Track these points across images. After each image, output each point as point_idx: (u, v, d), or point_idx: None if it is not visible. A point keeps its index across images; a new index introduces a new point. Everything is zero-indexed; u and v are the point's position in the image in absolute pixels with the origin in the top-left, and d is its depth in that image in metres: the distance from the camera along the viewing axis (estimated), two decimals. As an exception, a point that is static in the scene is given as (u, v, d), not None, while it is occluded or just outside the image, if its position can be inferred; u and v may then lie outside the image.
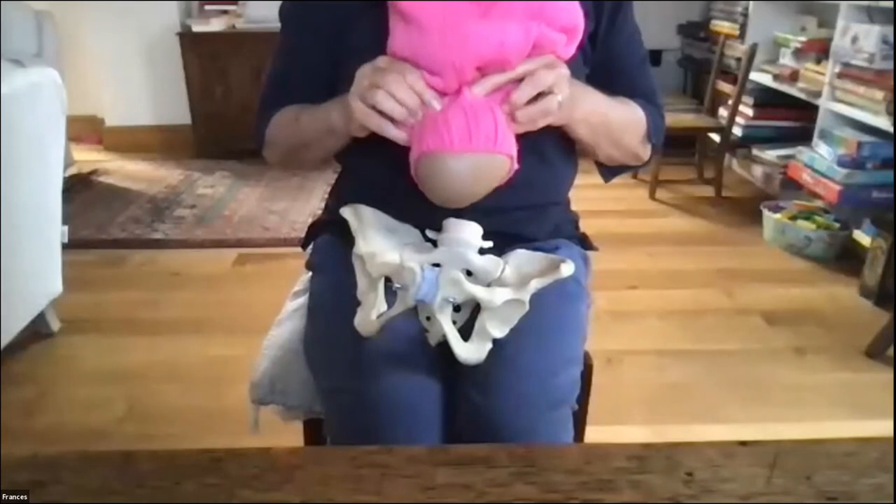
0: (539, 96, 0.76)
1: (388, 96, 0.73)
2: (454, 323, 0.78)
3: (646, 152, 0.98)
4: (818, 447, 0.55)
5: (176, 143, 3.84)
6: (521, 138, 0.78)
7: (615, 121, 0.90)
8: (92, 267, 2.49)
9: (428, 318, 0.82)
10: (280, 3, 0.97)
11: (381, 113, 0.74)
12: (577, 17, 0.79)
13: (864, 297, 2.26)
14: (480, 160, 0.75)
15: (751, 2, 3.36)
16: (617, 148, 0.93)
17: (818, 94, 2.78)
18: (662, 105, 1.00)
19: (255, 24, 3.57)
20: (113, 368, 1.87)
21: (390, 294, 0.80)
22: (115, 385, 1.79)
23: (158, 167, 3.68)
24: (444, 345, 0.78)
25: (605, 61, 0.93)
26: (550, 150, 0.90)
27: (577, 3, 0.80)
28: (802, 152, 2.78)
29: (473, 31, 0.74)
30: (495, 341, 0.78)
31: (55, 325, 2.02)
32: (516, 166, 0.78)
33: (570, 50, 0.80)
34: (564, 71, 0.77)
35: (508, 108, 0.75)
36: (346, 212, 0.85)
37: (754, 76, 3.19)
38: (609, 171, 1.01)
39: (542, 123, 0.78)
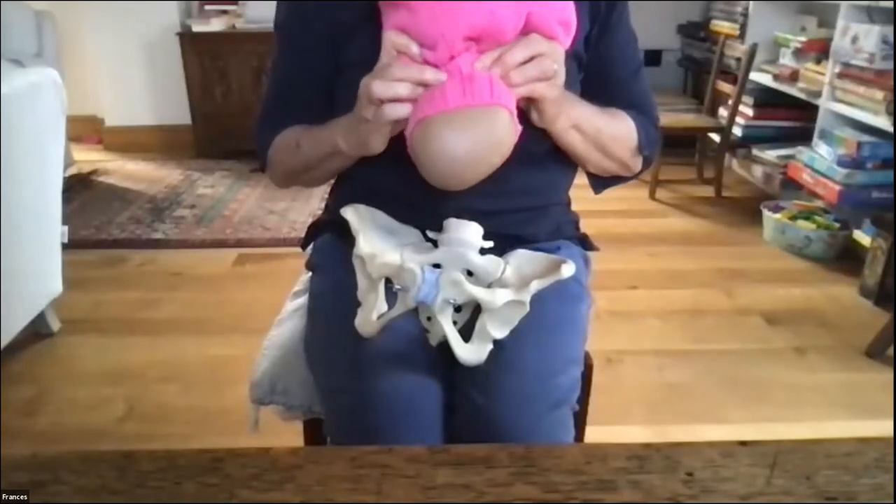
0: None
1: (394, 85, 0.72)
2: (455, 323, 0.78)
3: (637, 164, 0.97)
4: (818, 447, 0.55)
5: (176, 143, 3.84)
6: (519, 142, 0.78)
7: (606, 132, 0.89)
8: (92, 267, 2.49)
9: (429, 319, 0.82)
10: (279, 6, 0.96)
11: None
12: (569, 13, 0.79)
13: (864, 297, 2.26)
14: (478, 116, 0.72)
15: (751, 2, 3.36)
16: (608, 159, 0.92)
17: (818, 94, 2.78)
18: (657, 116, 1.00)
19: (255, 24, 3.57)
20: (113, 368, 1.87)
21: (391, 294, 0.80)
22: (114, 385, 1.79)
23: (158, 167, 3.68)
24: (445, 345, 0.78)
25: (599, 66, 0.92)
26: (548, 153, 0.90)
27: (570, 1, 0.79)
28: (802, 152, 2.78)
29: (464, 2, 0.73)
30: (496, 342, 0.78)
31: (55, 325, 2.02)
32: (519, 127, 0.75)
33: (567, 42, 0.79)
34: (560, 49, 0.76)
35: (501, 70, 0.73)
36: (347, 212, 0.85)
37: (754, 76, 3.19)
38: (600, 183, 1.00)
39: (540, 90, 0.76)
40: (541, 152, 0.87)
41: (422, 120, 0.72)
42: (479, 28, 0.73)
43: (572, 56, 0.86)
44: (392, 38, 0.75)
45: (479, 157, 0.73)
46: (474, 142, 0.72)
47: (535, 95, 0.76)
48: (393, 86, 0.72)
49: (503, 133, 0.73)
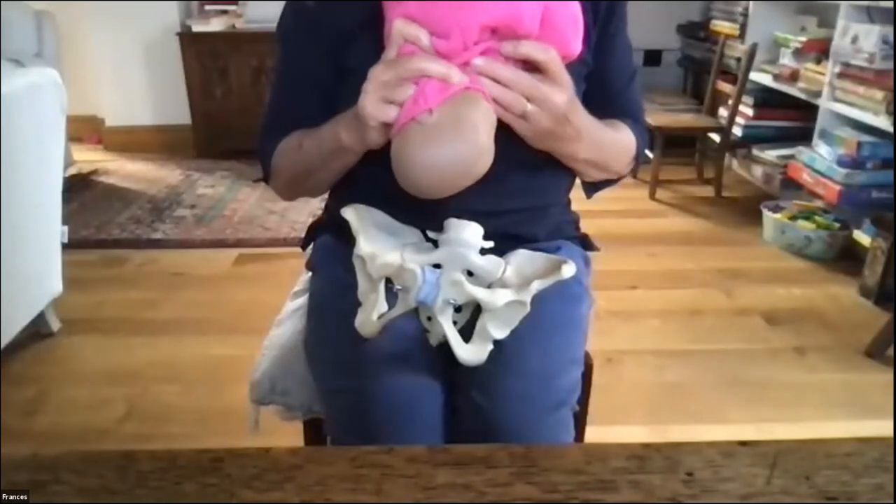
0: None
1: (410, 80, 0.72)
2: (455, 324, 0.78)
3: (628, 170, 1.00)
4: (818, 447, 0.55)
5: (176, 143, 3.84)
6: (519, 145, 0.78)
7: (610, 152, 0.92)
8: (92, 267, 2.49)
9: (429, 319, 0.82)
10: (281, 4, 0.96)
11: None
12: (579, 13, 0.79)
13: (864, 297, 2.26)
14: (453, 101, 0.71)
15: (751, 2, 3.36)
16: (605, 172, 0.95)
17: (818, 94, 2.78)
18: (645, 120, 1.03)
19: (255, 24, 3.57)
20: (113, 368, 1.87)
21: (391, 295, 0.80)
22: (115, 385, 1.79)
23: (158, 167, 3.68)
24: (445, 345, 0.78)
25: (598, 74, 0.92)
26: (548, 155, 0.90)
27: (577, 1, 0.79)
28: (802, 152, 2.78)
29: None
30: (496, 342, 0.78)
31: (55, 325, 2.02)
32: (494, 112, 0.74)
33: (578, 45, 0.79)
34: (559, 99, 0.75)
35: (485, 67, 0.73)
36: (348, 212, 0.85)
37: (754, 76, 3.19)
38: (591, 188, 1.02)
39: (506, 117, 0.76)
40: (541, 154, 0.88)
41: (398, 131, 0.73)
42: (499, 18, 0.73)
43: (581, 62, 0.86)
44: (401, 28, 0.74)
45: (457, 136, 0.71)
46: (451, 127, 0.71)
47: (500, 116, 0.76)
48: (405, 87, 0.72)
49: (480, 114, 0.72)
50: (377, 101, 0.73)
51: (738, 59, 3.15)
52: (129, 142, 3.92)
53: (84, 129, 3.94)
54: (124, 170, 3.66)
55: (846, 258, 2.50)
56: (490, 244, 0.80)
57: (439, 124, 0.71)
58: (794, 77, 2.99)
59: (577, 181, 1.00)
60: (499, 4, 0.72)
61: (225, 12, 3.75)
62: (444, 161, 0.71)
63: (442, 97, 0.71)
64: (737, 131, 3.29)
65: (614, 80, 0.96)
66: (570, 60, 0.79)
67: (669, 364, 1.91)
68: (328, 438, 0.86)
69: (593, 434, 1.06)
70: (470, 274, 0.78)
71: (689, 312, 2.18)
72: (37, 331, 1.98)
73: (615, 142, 0.93)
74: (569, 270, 0.78)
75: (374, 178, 0.89)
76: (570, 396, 0.85)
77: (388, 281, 0.79)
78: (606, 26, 0.91)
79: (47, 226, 1.84)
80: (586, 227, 1.06)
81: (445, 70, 0.72)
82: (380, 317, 0.79)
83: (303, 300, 1.03)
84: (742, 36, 3.40)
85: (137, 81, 3.85)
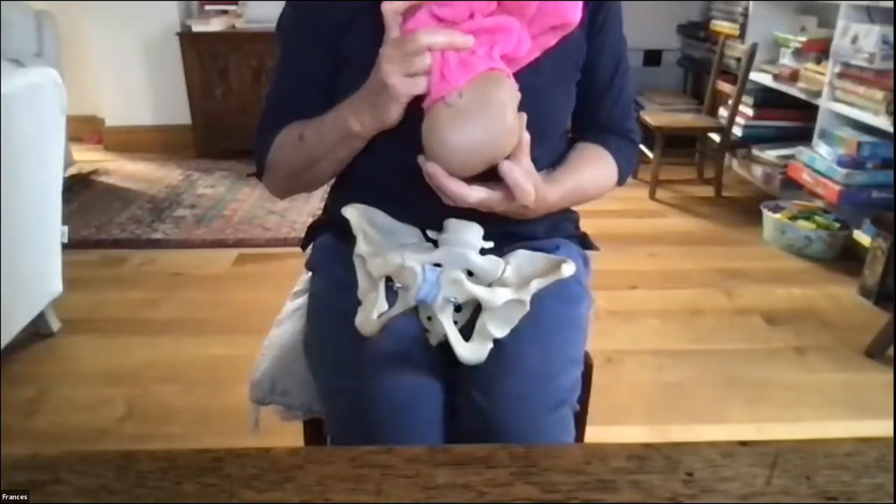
0: None
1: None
2: (455, 323, 0.78)
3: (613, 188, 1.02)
4: (818, 447, 0.55)
5: (176, 143, 3.84)
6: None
7: (579, 197, 0.94)
8: (92, 267, 2.49)
9: (429, 318, 0.82)
10: (281, 4, 0.96)
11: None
12: None
13: (864, 297, 2.26)
14: (480, 82, 0.73)
15: (751, 2, 3.36)
16: (588, 200, 0.97)
17: (818, 94, 2.78)
18: (635, 129, 1.01)
19: (255, 24, 3.57)
20: (113, 368, 1.87)
21: (391, 294, 0.80)
22: (115, 385, 1.79)
23: (158, 167, 3.68)
24: (445, 345, 0.78)
25: (587, 62, 0.92)
26: (547, 155, 0.90)
27: None
28: (802, 152, 2.78)
29: None
30: (496, 342, 0.78)
31: (55, 325, 2.02)
32: (516, 84, 0.76)
33: (577, 13, 0.80)
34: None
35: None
36: (348, 211, 0.85)
37: (754, 76, 3.19)
38: None
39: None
40: (543, 148, 0.88)
41: (428, 108, 0.74)
42: None
43: (576, 44, 0.86)
44: (389, 6, 0.75)
45: (488, 113, 0.73)
46: (481, 102, 0.72)
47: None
48: (420, 58, 0.73)
49: (505, 92, 0.74)
50: (401, 76, 0.74)
51: (738, 59, 3.15)
52: (129, 142, 3.92)
53: (84, 129, 3.94)
54: (124, 170, 3.66)
55: (846, 258, 2.50)
56: (490, 244, 0.80)
57: (468, 106, 0.72)
58: (794, 77, 2.99)
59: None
60: None
61: (225, 12, 3.75)
62: (475, 142, 0.73)
63: (467, 77, 0.72)
64: (737, 131, 3.29)
65: (603, 68, 0.95)
66: (569, 31, 0.80)
67: (669, 364, 1.91)
68: (328, 438, 0.86)
69: (593, 434, 1.06)
70: (470, 274, 0.78)
71: (689, 312, 2.18)
72: (37, 331, 1.98)
73: (592, 184, 0.94)
74: (568, 269, 0.78)
75: (375, 178, 0.89)
76: (569, 396, 0.85)
77: (389, 280, 0.79)
78: (594, 19, 0.90)
79: (47, 226, 1.84)
80: (586, 226, 1.06)
81: (448, 39, 0.73)
82: (380, 316, 0.79)
83: (303, 300, 1.03)
84: (742, 36, 3.40)
85: (137, 81, 3.85)
